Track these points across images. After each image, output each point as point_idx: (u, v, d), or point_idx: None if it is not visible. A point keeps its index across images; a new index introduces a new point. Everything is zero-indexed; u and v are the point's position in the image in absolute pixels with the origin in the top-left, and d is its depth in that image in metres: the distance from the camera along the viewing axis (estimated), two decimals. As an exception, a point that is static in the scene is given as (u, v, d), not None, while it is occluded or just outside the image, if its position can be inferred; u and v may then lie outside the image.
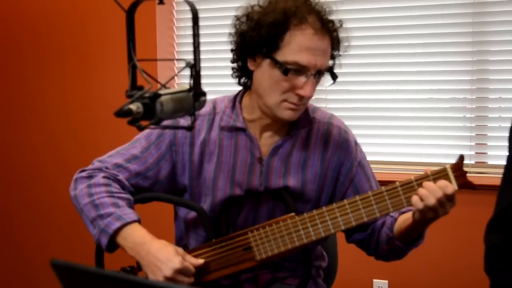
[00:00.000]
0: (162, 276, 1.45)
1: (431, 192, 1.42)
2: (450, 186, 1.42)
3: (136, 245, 1.49)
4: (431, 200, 1.41)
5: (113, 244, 1.52)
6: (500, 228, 1.40)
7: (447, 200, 1.42)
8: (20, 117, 3.43)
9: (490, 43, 2.69)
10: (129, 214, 1.52)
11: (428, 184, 1.43)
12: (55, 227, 3.39)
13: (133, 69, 0.96)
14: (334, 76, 1.55)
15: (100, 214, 1.52)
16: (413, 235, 1.56)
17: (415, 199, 1.43)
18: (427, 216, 1.44)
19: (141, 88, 0.95)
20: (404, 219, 1.57)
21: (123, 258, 1.63)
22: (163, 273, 1.45)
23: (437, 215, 1.44)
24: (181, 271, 1.46)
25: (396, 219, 1.60)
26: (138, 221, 1.53)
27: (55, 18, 3.30)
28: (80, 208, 1.57)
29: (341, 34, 1.55)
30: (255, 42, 1.50)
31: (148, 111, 0.91)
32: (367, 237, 1.67)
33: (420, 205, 1.42)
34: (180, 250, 1.51)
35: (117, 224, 1.50)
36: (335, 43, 1.54)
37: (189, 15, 3.39)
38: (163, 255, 1.46)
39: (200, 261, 1.53)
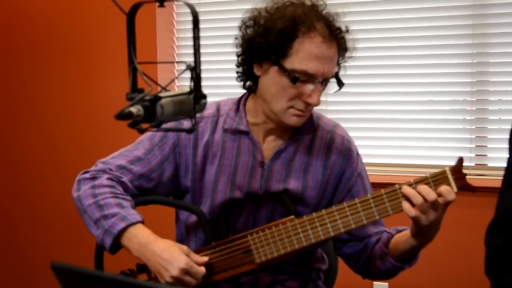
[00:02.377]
0: (169, 276, 1.44)
1: (423, 194, 1.41)
2: (452, 192, 1.41)
3: (141, 246, 1.49)
4: (418, 199, 1.40)
5: (116, 245, 1.52)
6: (500, 230, 1.40)
7: (440, 203, 1.42)
8: (19, 120, 3.43)
9: (490, 45, 2.69)
10: (134, 214, 1.52)
11: (422, 186, 1.43)
12: (55, 230, 3.39)
13: (133, 71, 0.96)
14: (340, 83, 1.55)
15: (105, 215, 1.51)
16: (407, 254, 1.55)
17: (403, 202, 1.43)
18: (421, 221, 1.42)
19: (141, 90, 0.95)
20: (401, 235, 1.56)
21: (122, 261, 1.63)
22: (170, 273, 1.44)
23: (427, 220, 1.42)
24: (188, 271, 1.45)
25: (392, 236, 1.60)
26: (142, 222, 1.53)
27: (54, 21, 3.30)
28: (83, 209, 1.56)
29: (347, 39, 1.55)
30: (263, 48, 1.50)
31: (149, 113, 0.91)
32: (358, 252, 1.67)
33: (405, 206, 1.42)
34: (185, 248, 1.50)
35: (122, 225, 1.50)
36: (342, 50, 1.54)
37: (189, 18, 3.39)
38: (168, 255, 1.46)
39: (205, 258, 1.52)
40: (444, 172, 1.45)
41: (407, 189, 1.43)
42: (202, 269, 1.48)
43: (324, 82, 1.52)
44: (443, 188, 1.41)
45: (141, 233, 1.50)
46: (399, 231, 1.60)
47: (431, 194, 1.41)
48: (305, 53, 1.47)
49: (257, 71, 1.56)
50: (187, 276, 1.46)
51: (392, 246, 1.58)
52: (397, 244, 1.56)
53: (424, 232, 1.47)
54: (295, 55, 1.48)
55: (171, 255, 1.46)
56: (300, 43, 1.47)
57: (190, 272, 1.46)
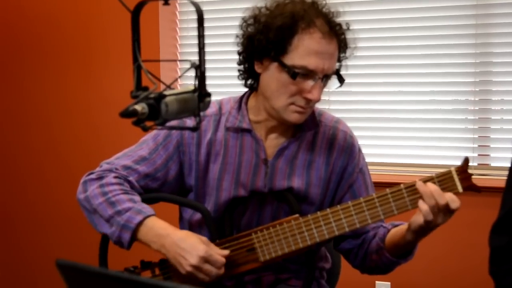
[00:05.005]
0: (189, 265, 1.44)
1: (435, 195, 1.40)
2: (456, 201, 1.40)
3: (160, 237, 1.48)
4: (432, 201, 1.40)
5: (132, 240, 1.51)
6: (505, 230, 1.40)
7: (448, 211, 1.41)
8: (22, 119, 3.44)
9: (493, 45, 2.69)
10: (147, 208, 1.52)
11: (432, 186, 1.42)
12: (58, 229, 3.39)
13: (138, 70, 0.96)
14: (341, 79, 1.55)
15: (118, 210, 1.51)
16: (403, 249, 1.56)
17: (421, 203, 1.42)
18: (430, 224, 1.42)
19: (146, 89, 0.95)
20: (397, 230, 1.56)
21: (126, 258, 1.63)
22: (189, 262, 1.44)
23: (435, 222, 1.42)
24: (207, 260, 1.45)
25: (389, 230, 1.60)
26: (155, 215, 1.53)
27: (57, 19, 3.30)
28: (93, 209, 1.56)
29: (348, 37, 1.55)
30: (262, 45, 1.50)
31: (153, 111, 0.91)
32: (356, 247, 1.67)
33: (425, 208, 1.41)
34: (204, 238, 1.49)
35: (139, 218, 1.49)
36: (342, 46, 1.54)
37: (192, 16, 3.39)
38: (187, 244, 1.45)
39: (225, 251, 1.51)
40: (449, 172, 1.44)
41: (422, 187, 1.41)
42: (222, 258, 1.47)
43: (325, 78, 1.52)
44: (448, 196, 1.40)
45: (158, 225, 1.50)
46: (396, 226, 1.60)
47: (441, 198, 1.40)
48: (305, 49, 1.47)
49: (257, 68, 1.56)
50: (207, 264, 1.45)
51: (388, 241, 1.58)
52: (393, 239, 1.57)
53: (425, 231, 1.47)
54: (294, 51, 1.48)
55: (190, 244, 1.45)
56: (299, 39, 1.48)
57: (210, 261, 1.45)
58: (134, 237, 1.50)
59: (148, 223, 1.50)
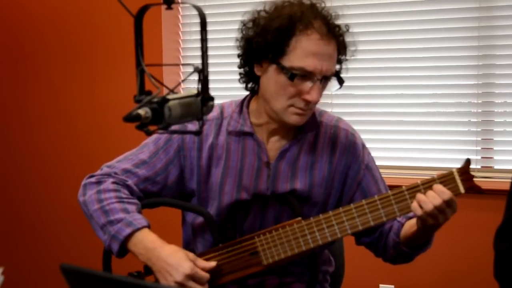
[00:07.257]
0: (173, 282, 1.45)
1: (429, 199, 1.41)
2: (446, 192, 1.40)
3: (147, 251, 1.49)
4: (429, 206, 1.40)
5: (123, 250, 1.52)
6: (509, 234, 1.40)
7: (446, 206, 1.41)
8: (26, 122, 3.44)
9: (496, 47, 2.69)
10: (139, 219, 1.53)
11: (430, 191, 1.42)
12: (62, 233, 3.39)
13: (141, 74, 0.96)
14: (340, 81, 1.55)
15: (110, 220, 1.52)
16: (419, 241, 1.56)
17: (414, 205, 1.42)
18: (428, 222, 1.43)
19: (149, 93, 0.96)
20: (411, 225, 1.56)
21: (130, 263, 1.63)
22: (173, 279, 1.45)
23: (437, 222, 1.43)
24: (192, 277, 1.46)
25: (402, 225, 1.60)
26: (148, 226, 1.53)
27: (61, 22, 3.31)
28: (90, 214, 1.57)
29: (348, 39, 1.55)
30: (261, 47, 1.51)
31: (157, 116, 0.91)
32: (375, 240, 1.68)
33: (419, 211, 1.41)
34: (191, 255, 1.51)
35: (128, 231, 1.50)
36: (342, 48, 1.54)
37: (195, 20, 3.38)
38: (173, 261, 1.46)
39: (212, 263, 1.52)
40: (451, 173, 1.44)
41: (419, 196, 1.42)
42: (207, 275, 1.49)
43: (324, 80, 1.52)
44: (436, 188, 1.41)
45: (147, 238, 1.51)
46: (410, 218, 1.60)
47: (436, 199, 1.40)
48: (302, 50, 1.47)
49: (257, 71, 1.56)
50: (191, 281, 1.46)
51: (403, 235, 1.58)
52: (407, 234, 1.57)
53: (431, 229, 1.48)
54: (292, 53, 1.48)
55: (177, 261, 1.46)
56: (297, 41, 1.48)
57: (195, 278, 1.46)
58: (124, 247, 1.52)
59: (139, 235, 1.51)
